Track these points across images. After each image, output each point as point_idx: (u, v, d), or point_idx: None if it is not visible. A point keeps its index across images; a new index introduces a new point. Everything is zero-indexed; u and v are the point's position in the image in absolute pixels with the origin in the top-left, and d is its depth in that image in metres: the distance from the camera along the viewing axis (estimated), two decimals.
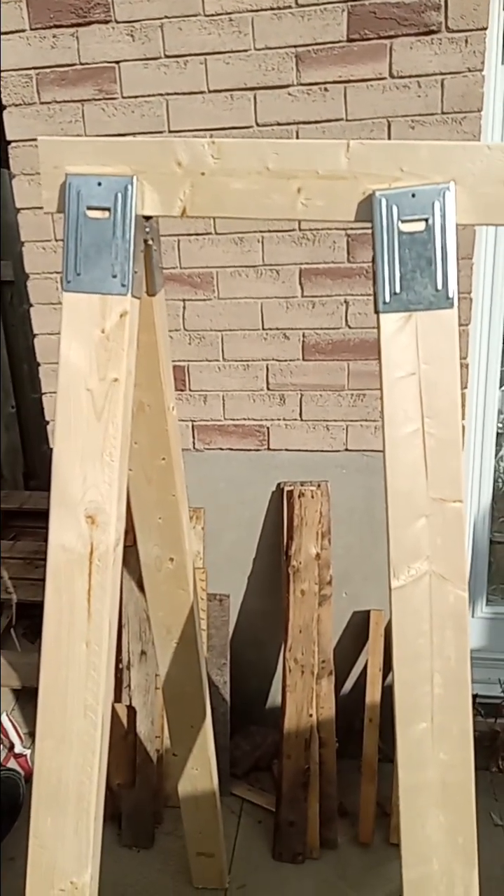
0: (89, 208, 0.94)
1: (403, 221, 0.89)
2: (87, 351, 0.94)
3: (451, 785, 0.90)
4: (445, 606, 0.90)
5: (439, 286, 0.89)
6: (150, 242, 1.02)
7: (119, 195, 0.93)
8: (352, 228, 1.96)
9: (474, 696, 2.27)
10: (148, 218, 1.00)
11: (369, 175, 0.91)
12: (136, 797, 2.07)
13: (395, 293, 0.90)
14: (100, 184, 0.93)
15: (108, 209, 0.93)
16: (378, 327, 0.91)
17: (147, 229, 1.00)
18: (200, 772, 1.66)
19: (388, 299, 0.90)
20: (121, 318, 0.94)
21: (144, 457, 1.21)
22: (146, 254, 1.02)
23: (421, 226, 0.89)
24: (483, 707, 2.26)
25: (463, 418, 2.05)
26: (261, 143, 0.93)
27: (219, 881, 1.90)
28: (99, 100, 1.97)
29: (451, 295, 0.89)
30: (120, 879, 1.96)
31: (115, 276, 0.94)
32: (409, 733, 0.91)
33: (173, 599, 1.38)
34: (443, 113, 1.85)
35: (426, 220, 0.89)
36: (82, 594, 0.95)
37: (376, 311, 0.91)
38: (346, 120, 1.89)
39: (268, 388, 2.12)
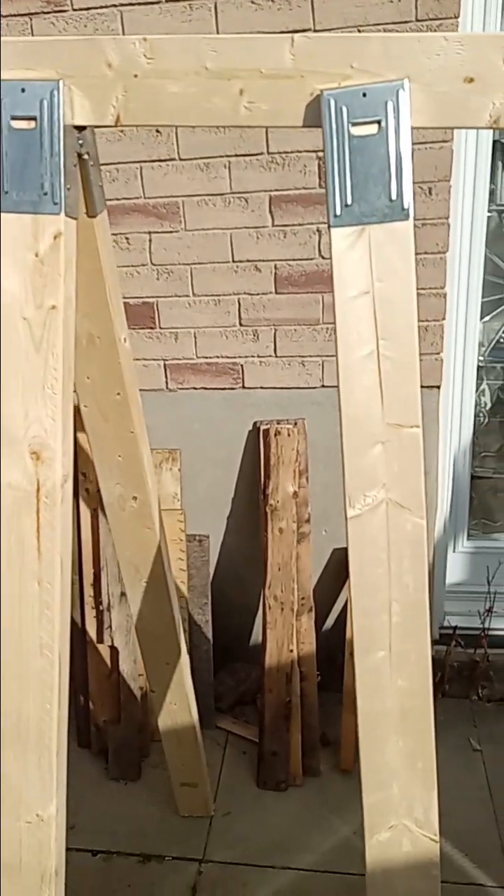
0: (13, 118, 0.86)
1: (354, 124, 0.82)
2: (21, 277, 0.88)
3: (409, 711, 0.90)
4: (403, 534, 0.87)
5: (393, 196, 0.83)
6: (86, 157, 0.94)
7: (45, 102, 0.85)
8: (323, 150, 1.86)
9: (454, 628, 2.30)
10: (81, 128, 0.92)
11: (317, 73, 0.83)
12: (122, 733, 2.11)
13: (347, 205, 0.84)
14: (24, 90, 0.85)
15: (34, 118, 0.86)
16: (329, 243, 0.85)
17: (80, 141, 0.92)
18: (179, 706, 1.68)
19: (338, 212, 0.84)
20: (55, 241, 0.88)
21: (98, 392, 1.17)
22: (82, 169, 0.95)
23: (373, 129, 0.82)
24: (463, 638, 2.29)
25: (441, 350, 1.99)
26: (197, 38, 0.84)
27: (204, 809, 1.96)
28: (48, 13, 1.83)
29: (406, 206, 0.83)
30: (108, 811, 2.02)
31: (45, 194, 0.87)
32: (368, 661, 0.90)
33: (140, 539, 1.35)
34: (417, 20, 1.73)
35: (379, 122, 0.82)
36: (31, 533, 0.92)
37: (328, 226, 0.85)
38: (315, 30, 1.77)
39: (240, 324, 2.06)
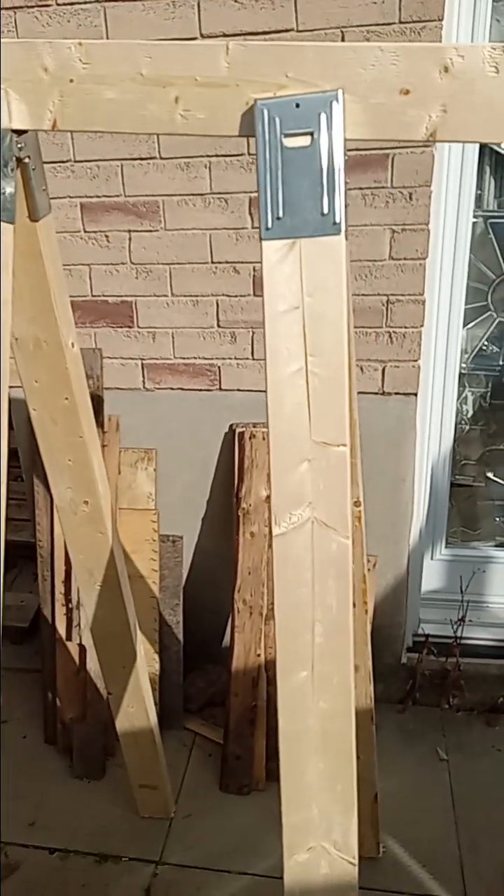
0: None
1: (287, 136, 0.80)
2: None
3: (330, 733, 0.88)
4: (327, 554, 0.86)
5: (325, 210, 0.81)
6: (27, 160, 0.93)
7: None
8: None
9: (427, 636, 2.28)
10: (21, 132, 0.91)
11: (252, 82, 0.82)
12: (87, 731, 2.11)
13: (279, 218, 0.82)
14: None
15: None
16: (261, 256, 0.83)
17: (20, 145, 0.91)
18: (136, 709, 1.68)
19: (270, 224, 0.82)
20: None
21: (46, 396, 1.16)
22: (23, 173, 0.93)
23: (306, 140, 0.80)
24: (435, 646, 2.27)
25: (418, 358, 1.97)
26: (133, 44, 0.83)
27: (164, 811, 1.95)
28: (32, 7, 1.82)
29: (337, 219, 0.81)
30: (70, 809, 2.02)
31: None
32: (290, 681, 0.88)
33: (92, 543, 1.35)
34: (401, 22, 1.70)
35: (311, 133, 0.80)
36: None
37: (260, 238, 0.84)
38: (297, 30, 1.74)
39: (218, 326, 2.04)
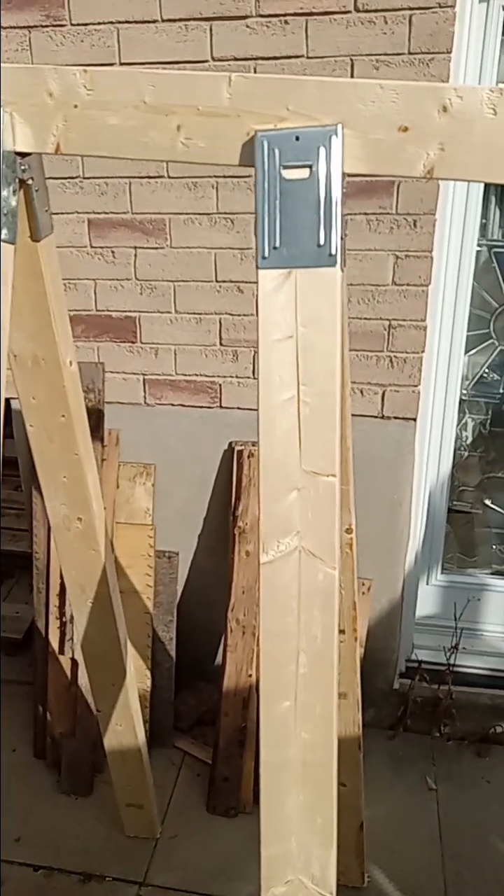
0: None
1: (286, 167, 0.81)
2: None
3: (311, 765, 0.88)
4: (314, 584, 0.85)
5: (321, 241, 0.82)
6: (30, 182, 0.94)
7: None
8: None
9: (419, 662, 2.27)
10: (24, 155, 0.92)
11: (253, 114, 0.83)
12: (76, 747, 2.09)
13: (275, 247, 0.83)
14: None
15: None
16: (256, 284, 0.84)
17: (23, 167, 0.92)
18: (124, 727, 1.66)
19: (267, 254, 0.83)
20: None
21: (44, 413, 1.16)
22: (25, 195, 0.94)
23: (305, 173, 0.81)
24: (428, 673, 2.25)
25: (418, 383, 1.97)
26: (136, 73, 0.84)
27: (150, 831, 1.93)
28: (46, 26, 1.85)
29: (333, 251, 0.82)
30: (56, 826, 2.00)
31: None
32: (273, 711, 0.88)
33: (85, 559, 1.35)
34: (410, 53, 1.72)
35: (310, 166, 0.81)
36: None
37: (256, 266, 0.84)
38: (307, 57, 1.76)
39: (220, 344, 2.05)
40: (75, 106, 0.86)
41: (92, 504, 1.27)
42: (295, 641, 0.86)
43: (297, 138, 0.81)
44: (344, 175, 0.82)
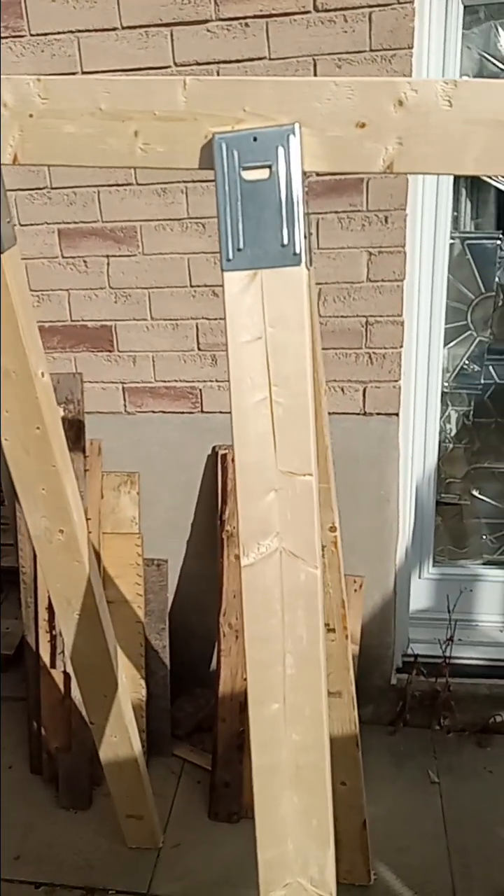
0: None
1: (245, 168, 0.81)
2: None
3: (304, 766, 0.87)
4: (296, 585, 0.85)
5: (285, 241, 0.81)
6: None
7: None
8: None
9: (416, 657, 2.27)
10: None
11: (211, 116, 0.82)
12: (73, 760, 2.08)
13: (239, 249, 0.82)
14: None
15: None
16: (222, 286, 0.84)
17: None
18: (119, 739, 1.65)
19: (231, 256, 0.82)
20: None
21: (18, 426, 1.15)
22: None
23: (264, 173, 0.81)
24: (425, 667, 2.25)
25: (399, 378, 1.98)
26: (91, 80, 0.84)
27: (152, 841, 1.92)
28: (6, 37, 1.84)
29: (297, 250, 0.82)
30: (56, 841, 1.98)
31: None
32: (262, 714, 0.87)
33: (69, 572, 1.33)
34: (371, 50, 1.72)
35: (270, 166, 0.81)
36: None
37: (221, 269, 0.84)
38: (270, 59, 1.76)
39: (198, 349, 2.05)
40: (30, 115, 0.85)
41: (73, 515, 1.26)
42: (280, 643, 0.86)
43: (255, 139, 0.81)
44: (304, 174, 0.82)
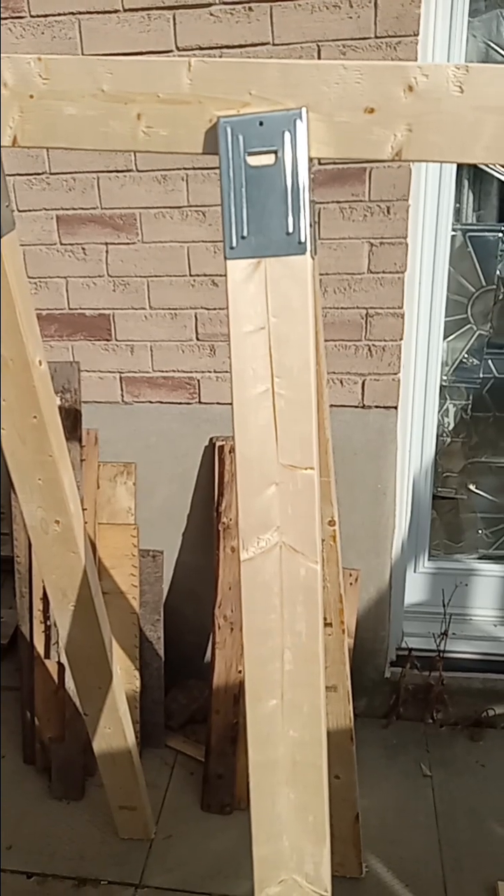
0: None
1: (251, 154, 0.79)
2: None
3: (301, 763, 0.86)
4: (296, 580, 0.84)
5: (290, 229, 0.80)
6: None
7: None
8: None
9: (410, 650, 2.27)
10: None
11: (215, 99, 0.80)
12: (66, 751, 2.07)
13: (243, 237, 0.80)
14: None
15: None
16: (225, 275, 0.82)
17: None
18: (113, 730, 1.64)
19: (234, 243, 0.81)
20: None
21: (15, 415, 1.13)
22: None
23: (270, 159, 0.79)
24: (419, 660, 2.25)
25: (398, 371, 1.96)
26: (93, 60, 0.81)
27: (144, 832, 1.92)
28: (5, 18, 1.80)
29: (302, 239, 0.80)
30: (48, 831, 1.98)
31: None
32: (259, 710, 0.86)
33: (64, 563, 1.32)
34: (376, 37, 1.70)
35: (275, 152, 0.79)
36: None
37: (224, 257, 0.82)
38: (273, 44, 1.74)
39: (197, 339, 2.02)
40: (31, 96, 0.83)
41: (69, 506, 1.25)
42: (279, 639, 0.85)
43: (261, 123, 0.79)
44: (310, 160, 0.80)
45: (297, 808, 0.87)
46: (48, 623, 2.10)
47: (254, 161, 0.79)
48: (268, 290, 0.81)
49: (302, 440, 0.82)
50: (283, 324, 0.81)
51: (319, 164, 1.78)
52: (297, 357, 0.81)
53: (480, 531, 2.45)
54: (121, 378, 2.10)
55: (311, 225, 0.80)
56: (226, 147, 0.80)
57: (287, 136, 0.78)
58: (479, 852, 1.87)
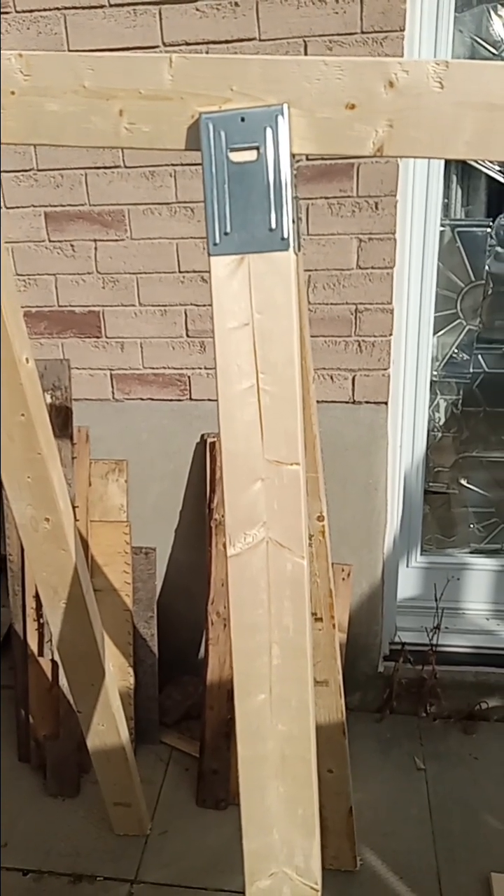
0: None
1: (233, 150, 0.79)
2: None
3: (290, 757, 0.87)
4: (283, 575, 0.84)
5: (272, 225, 0.80)
6: None
7: None
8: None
9: (403, 644, 2.28)
10: None
11: (197, 95, 0.80)
12: (61, 748, 2.07)
13: (226, 233, 0.81)
14: None
15: None
16: (209, 272, 0.82)
17: None
18: (106, 727, 1.65)
19: (218, 240, 0.81)
20: None
21: (2, 413, 1.13)
22: None
23: (252, 155, 0.79)
24: (412, 654, 2.26)
25: (388, 367, 1.97)
26: (74, 56, 0.81)
27: (139, 828, 1.92)
28: None
29: (285, 235, 0.80)
30: (44, 828, 1.98)
31: None
32: (248, 704, 0.87)
33: (55, 560, 1.32)
34: (362, 32, 1.69)
35: (257, 148, 0.79)
36: None
37: (208, 254, 0.82)
38: (260, 39, 1.73)
39: (187, 335, 2.02)
40: (12, 93, 0.83)
41: (59, 503, 1.25)
42: (267, 634, 0.85)
43: (243, 119, 0.79)
44: (292, 156, 0.80)
45: (286, 802, 0.87)
46: (41, 621, 2.10)
47: (236, 157, 0.79)
48: (251, 287, 0.81)
49: (287, 436, 0.82)
50: (267, 320, 0.81)
51: (307, 159, 1.78)
52: (282, 353, 0.81)
53: (472, 525, 2.47)
54: (111, 375, 2.10)
55: (294, 221, 0.80)
56: (208, 143, 0.80)
57: (269, 131, 0.78)
58: (473, 844, 1.88)
